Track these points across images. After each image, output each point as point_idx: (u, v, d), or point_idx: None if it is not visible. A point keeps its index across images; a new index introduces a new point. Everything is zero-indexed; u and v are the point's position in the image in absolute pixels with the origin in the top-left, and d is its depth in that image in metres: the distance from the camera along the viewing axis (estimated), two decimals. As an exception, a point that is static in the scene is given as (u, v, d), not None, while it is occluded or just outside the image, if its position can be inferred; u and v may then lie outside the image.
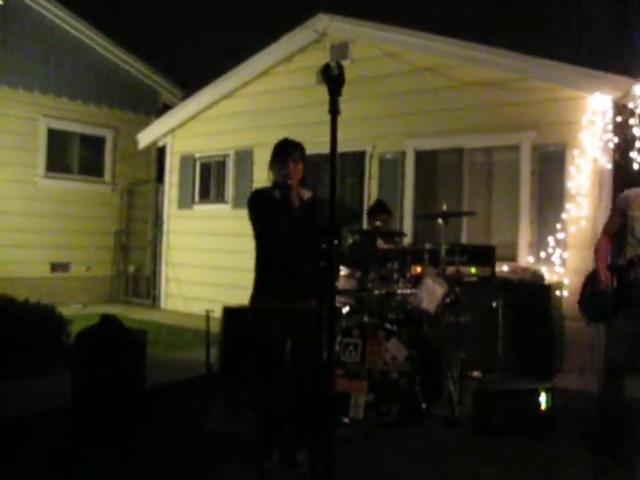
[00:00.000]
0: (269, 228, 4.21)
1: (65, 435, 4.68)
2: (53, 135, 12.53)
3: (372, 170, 9.37)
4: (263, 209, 4.22)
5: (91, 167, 13.20)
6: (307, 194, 4.29)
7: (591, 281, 4.68)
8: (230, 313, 6.60)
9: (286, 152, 4.21)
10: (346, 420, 5.09)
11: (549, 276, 7.54)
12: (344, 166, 9.35)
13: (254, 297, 4.33)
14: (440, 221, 5.72)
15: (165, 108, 13.21)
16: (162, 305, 12.13)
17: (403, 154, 9.06)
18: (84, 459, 4.24)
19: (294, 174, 4.16)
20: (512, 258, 7.97)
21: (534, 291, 7.10)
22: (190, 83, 12.95)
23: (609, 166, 7.33)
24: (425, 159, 8.98)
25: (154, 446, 4.64)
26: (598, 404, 4.66)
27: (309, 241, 3.98)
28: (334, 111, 2.50)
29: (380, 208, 6.69)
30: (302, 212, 4.18)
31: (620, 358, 4.43)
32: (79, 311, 10.73)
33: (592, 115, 7.41)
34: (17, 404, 5.47)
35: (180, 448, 4.61)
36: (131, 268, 13.33)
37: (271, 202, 4.19)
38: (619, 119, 6.94)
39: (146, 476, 4.20)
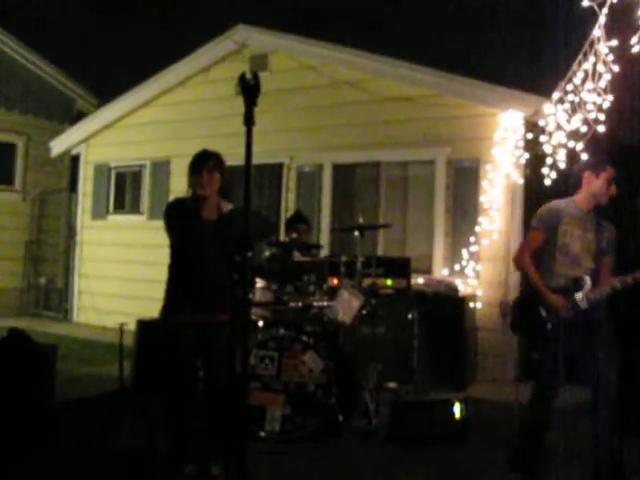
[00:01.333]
0: (182, 239, 4.17)
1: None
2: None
3: (290, 182, 9.38)
4: (178, 220, 4.17)
5: (0, 175, 12.75)
6: (228, 206, 4.26)
7: (525, 305, 4.35)
8: (144, 326, 6.47)
9: (201, 162, 4.18)
10: (262, 434, 5.05)
11: (463, 288, 7.69)
12: (262, 178, 9.33)
13: (165, 309, 4.26)
14: (357, 234, 5.76)
15: (80, 116, 12.91)
16: (75, 318, 11.78)
17: (321, 167, 9.10)
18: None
19: (208, 185, 4.12)
20: (427, 270, 8.10)
21: (448, 303, 7.22)
22: (106, 91, 12.71)
23: (521, 181, 7.54)
24: (342, 172, 9.05)
25: (64, 464, 4.48)
26: (522, 420, 4.52)
27: (225, 253, 3.95)
28: (249, 121, 2.50)
29: (298, 219, 6.70)
30: (220, 224, 4.14)
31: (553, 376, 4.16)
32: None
33: (505, 132, 7.61)
34: None
35: (91, 465, 4.46)
36: (42, 280, 12.90)
37: (186, 213, 4.15)
38: (530, 136, 7.15)
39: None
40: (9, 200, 12.74)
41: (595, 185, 4.23)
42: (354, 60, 8.86)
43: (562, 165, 6.63)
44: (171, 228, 4.21)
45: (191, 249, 4.15)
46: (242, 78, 2.57)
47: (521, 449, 4.38)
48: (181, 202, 4.27)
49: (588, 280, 4.12)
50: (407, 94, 8.41)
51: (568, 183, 5.58)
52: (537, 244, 4.31)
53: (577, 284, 4.13)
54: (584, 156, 5.87)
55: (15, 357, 4.81)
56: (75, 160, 12.51)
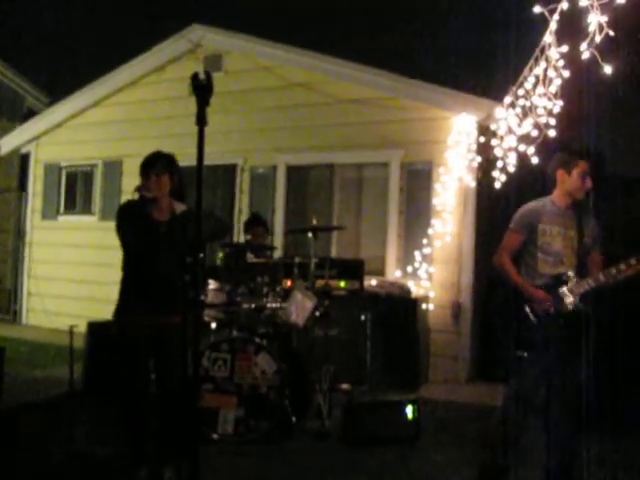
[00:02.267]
0: (133, 241, 4.13)
1: None
2: None
3: (243, 184, 9.35)
4: (129, 222, 4.13)
5: (-53, 174, 12.48)
6: (181, 207, 4.23)
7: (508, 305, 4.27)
8: (95, 328, 6.39)
9: (150, 164, 4.16)
10: (215, 436, 5.02)
11: (416, 290, 7.75)
12: (215, 179, 9.28)
13: (118, 311, 4.21)
14: (310, 235, 5.77)
15: (30, 114, 12.68)
16: (24, 320, 11.54)
17: (274, 168, 9.09)
18: None
19: (155, 187, 4.11)
20: (380, 272, 8.14)
21: (401, 304, 7.27)
22: (57, 89, 12.52)
23: (473, 184, 7.64)
24: (296, 174, 9.06)
25: (13, 470, 4.40)
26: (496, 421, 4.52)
27: (177, 255, 3.93)
28: (202, 121, 2.49)
29: (256, 222, 6.69)
30: (171, 226, 4.12)
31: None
32: None
33: (458, 135, 7.71)
34: None
35: (42, 470, 4.39)
36: (-10, 281, 12.65)
37: (137, 215, 4.11)
38: (482, 139, 7.24)
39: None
40: (-44, 199, 12.46)
41: (569, 182, 4.21)
42: (308, 61, 8.87)
43: (512, 169, 6.72)
44: (123, 230, 4.17)
45: (143, 250, 4.11)
46: (194, 77, 2.56)
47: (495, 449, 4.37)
48: (132, 204, 4.22)
49: (572, 275, 4.09)
50: (361, 96, 8.45)
51: (520, 186, 5.61)
52: (515, 246, 4.30)
53: (560, 279, 4.10)
54: (534, 159, 5.96)
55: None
56: (25, 159, 12.27)
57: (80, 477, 4.28)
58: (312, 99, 8.80)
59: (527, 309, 4.14)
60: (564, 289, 4.09)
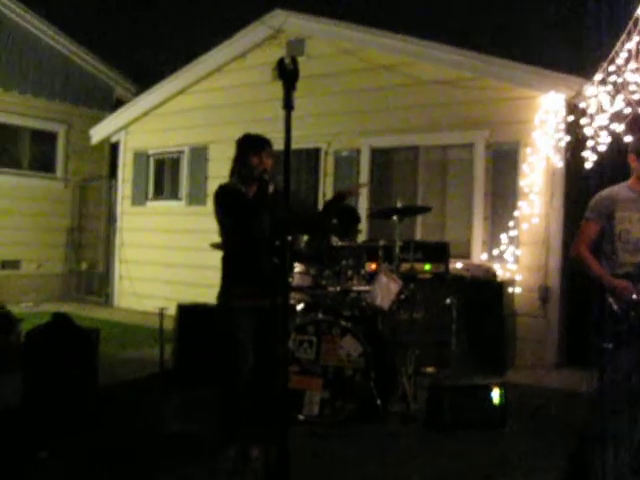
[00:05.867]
0: (243, 224, 4.14)
1: (14, 436, 4.58)
2: (1, 129, 12.26)
3: (327, 167, 9.37)
4: (236, 205, 4.16)
5: (42, 162, 12.98)
6: (270, 188, 4.26)
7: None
8: (185, 310, 6.55)
9: (261, 146, 4.22)
10: (301, 417, 5.08)
11: (502, 273, 7.63)
12: (299, 163, 9.33)
13: (225, 292, 4.27)
14: (395, 218, 5.74)
15: (119, 103, 13.02)
16: (115, 303, 11.96)
17: (358, 152, 9.08)
18: (33, 462, 4.15)
19: (265, 162, 4.18)
20: (466, 255, 8.05)
21: (487, 288, 7.18)
22: (145, 79, 12.78)
23: (561, 165, 7.44)
24: (380, 157, 9.02)
25: (107, 446, 4.57)
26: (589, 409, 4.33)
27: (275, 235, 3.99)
28: (289, 106, 2.50)
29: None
30: (269, 205, 4.15)
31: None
32: (30, 309, 10.54)
33: (545, 114, 7.51)
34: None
35: (133, 447, 4.55)
36: (84, 265, 13.12)
37: (241, 197, 4.17)
38: (571, 118, 7.04)
39: (98, 477, 4.12)
40: (51, 187, 12.95)
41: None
42: (390, 43, 8.79)
43: (603, 148, 6.52)
44: (227, 214, 4.21)
45: (252, 234, 4.14)
46: (281, 63, 2.56)
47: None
48: (231, 187, 4.26)
49: None
50: (445, 77, 8.33)
51: (611, 166, 5.40)
52: (592, 236, 4.12)
53: None
54: (627, 138, 5.76)
55: (60, 341, 4.90)
56: (115, 147, 12.67)
57: (167, 455, 4.41)
58: (395, 81, 8.73)
59: (610, 300, 3.94)
60: None
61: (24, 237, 12.27)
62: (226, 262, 4.29)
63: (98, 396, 5.24)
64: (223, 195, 4.25)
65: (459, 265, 7.67)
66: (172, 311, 6.53)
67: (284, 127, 2.49)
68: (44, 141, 12.98)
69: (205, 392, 5.31)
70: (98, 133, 12.36)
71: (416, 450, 4.64)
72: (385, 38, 8.85)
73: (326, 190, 9.31)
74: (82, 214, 13.34)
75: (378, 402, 5.13)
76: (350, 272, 5.58)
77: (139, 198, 11.72)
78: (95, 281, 12.97)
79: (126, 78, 14.04)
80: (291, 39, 9.70)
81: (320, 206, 8.60)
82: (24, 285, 12.13)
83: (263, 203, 4.11)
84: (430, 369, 6.46)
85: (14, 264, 12.34)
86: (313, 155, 9.40)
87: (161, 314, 6.13)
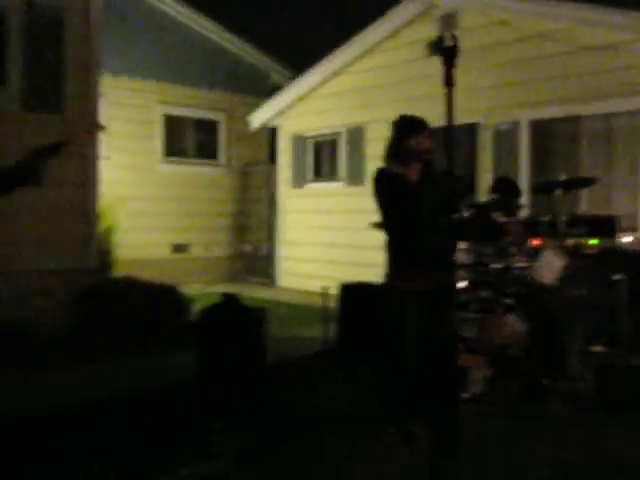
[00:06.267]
0: (407, 209, 4.15)
1: (192, 409, 4.88)
2: (168, 121, 12.97)
3: (485, 142, 9.19)
4: (398, 191, 4.17)
5: (206, 150, 13.60)
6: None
7: None
8: (348, 289, 6.66)
9: (419, 128, 4.15)
10: (465, 395, 5.07)
11: (676, 246, 7.20)
12: (455, 138, 9.19)
13: (391, 276, 4.31)
14: (559, 192, 5.56)
15: (275, 89, 13.36)
16: (278, 283, 12.38)
17: (517, 124, 8.84)
18: (210, 432, 4.40)
19: (427, 143, 4.14)
20: (633, 229, 7.65)
21: (659, 262, 6.79)
22: (299, 63, 13.04)
23: None
24: (540, 129, 8.73)
25: (277, 421, 4.77)
26: None
27: (434, 216, 3.98)
28: (449, 83, 2.50)
29: (504, 182, 6.51)
30: (430, 187, 4.16)
31: None
32: (200, 290, 11.08)
33: None
34: (146, 379, 5.76)
35: (301, 422, 4.71)
36: (247, 248, 13.65)
37: (403, 183, 4.17)
38: None
39: (270, 449, 4.32)
40: (215, 174, 13.57)
41: None
42: (546, 10, 8.47)
43: None
44: (390, 198, 4.22)
45: (417, 215, 4.14)
46: (439, 41, 2.56)
47: None
48: (391, 171, 4.25)
49: None
50: (605, 41, 7.92)
51: None
52: None
53: None
54: None
55: (231, 319, 5.13)
56: (273, 132, 13.06)
57: (329, 430, 4.52)
58: (551, 49, 8.40)
59: None
60: None
61: (192, 222, 12.97)
62: (390, 245, 4.31)
63: (267, 373, 5.45)
64: (384, 181, 4.25)
65: (627, 239, 7.30)
66: (334, 290, 6.67)
67: (445, 104, 2.49)
68: (206, 130, 13.59)
69: (365, 370, 5.39)
70: (256, 119, 12.76)
71: (584, 430, 4.51)
72: (537, 5, 8.53)
73: (484, 165, 9.14)
74: (244, 198, 13.86)
75: (543, 381, 5.02)
76: (513, 248, 5.47)
77: (298, 180, 12.02)
78: (259, 262, 13.45)
79: (281, 64, 14.39)
80: (443, 13, 9.55)
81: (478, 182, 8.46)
82: (193, 268, 12.81)
83: (429, 185, 4.10)
84: (599, 348, 6.22)
85: (184, 248, 13.06)
86: (470, 130, 9.24)
87: (324, 293, 6.27)
